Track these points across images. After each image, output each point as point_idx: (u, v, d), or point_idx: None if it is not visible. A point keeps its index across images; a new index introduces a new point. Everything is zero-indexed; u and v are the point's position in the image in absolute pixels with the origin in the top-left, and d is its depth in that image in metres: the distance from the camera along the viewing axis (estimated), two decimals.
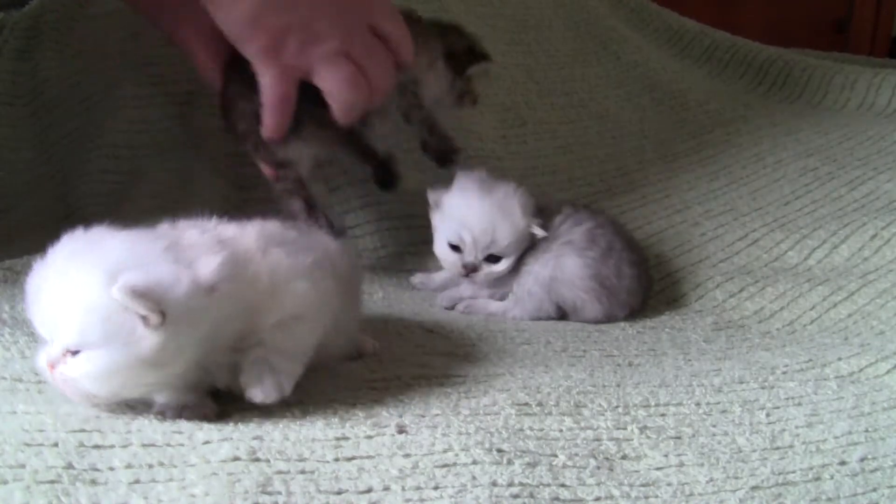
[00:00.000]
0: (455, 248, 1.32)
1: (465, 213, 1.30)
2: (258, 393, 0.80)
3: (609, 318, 1.34)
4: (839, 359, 1.09)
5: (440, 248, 1.34)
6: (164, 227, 0.83)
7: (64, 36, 1.74)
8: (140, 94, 1.62)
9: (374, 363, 1.00)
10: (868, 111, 2.18)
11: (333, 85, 1.18)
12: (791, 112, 2.14)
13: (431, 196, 1.35)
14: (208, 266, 0.76)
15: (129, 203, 1.45)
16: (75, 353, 0.74)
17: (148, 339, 0.72)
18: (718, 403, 0.95)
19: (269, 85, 1.17)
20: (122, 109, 1.60)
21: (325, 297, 0.87)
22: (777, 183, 1.83)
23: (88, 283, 0.73)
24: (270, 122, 1.21)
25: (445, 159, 1.42)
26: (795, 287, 1.40)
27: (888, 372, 1.05)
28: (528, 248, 1.34)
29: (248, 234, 0.85)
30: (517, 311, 1.34)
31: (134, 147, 1.57)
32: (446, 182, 1.36)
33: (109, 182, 1.52)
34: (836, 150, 1.95)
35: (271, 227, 0.90)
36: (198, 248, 0.78)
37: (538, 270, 1.33)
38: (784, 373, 1.05)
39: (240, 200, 1.52)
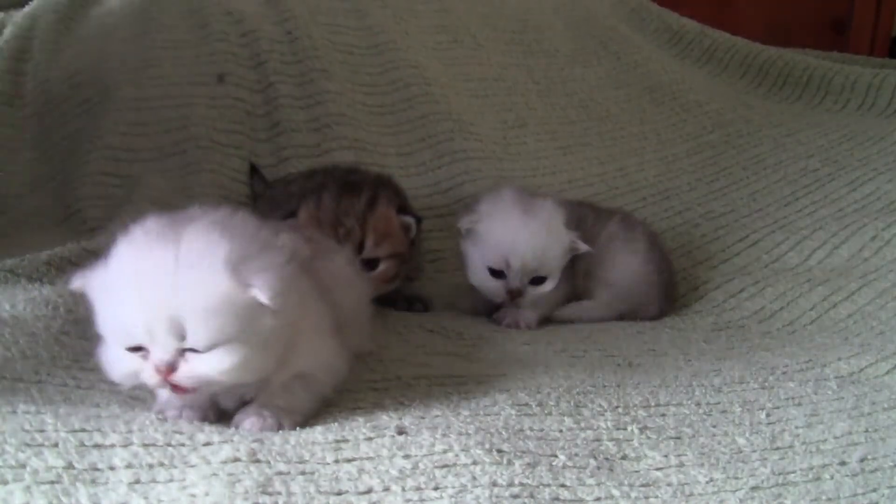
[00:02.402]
0: (496, 273, 1.25)
1: (510, 237, 1.23)
2: (246, 422, 0.80)
3: (661, 314, 1.36)
4: (839, 359, 1.09)
5: (479, 275, 1.27)
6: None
7: (64, 37, 1.74)
8: (140, 96, 1.62)
9: (374, 363, 1.00)
10: (868, 111, 2.18)
11: None
12: (791, 113, 2.14)
13: (464, 223, 1.27)
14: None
15: (129, 206, 1.45)
16: (193, 350, 0.74)
17: (268, 325, 0.75)
18: (718, 403, 0.95)
19: None
20: (121, 112, 1.60)
21: (342, 358, 0.88)
22: (777, 184, 1.83)
23: (216, 282, 0.73)
24: None
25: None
26: (795, 287, 1.40)
27: (888, 372, 1.06)
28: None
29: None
30: (595, 313, 1.33)
31: (133, 150, 1.57)
32: (468, 207, 1.32)
33: (108, 185, 1.52)
34: (837, 151, 1.95)
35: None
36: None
37: (601, 275, 1.33)
38: (784, 373, 1.05)
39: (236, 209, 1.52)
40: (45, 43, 1.72)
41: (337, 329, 0.88)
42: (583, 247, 1.27)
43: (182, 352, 0.74)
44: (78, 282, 0.77)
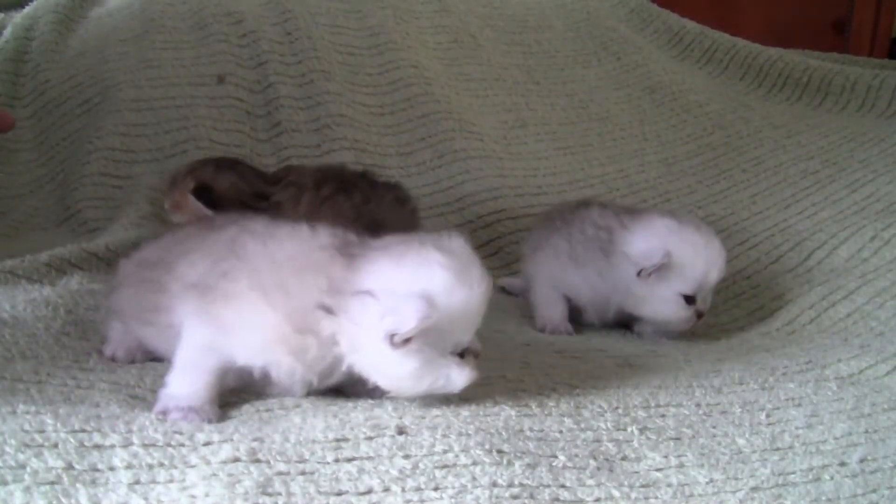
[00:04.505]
0: (689, 299, 1.22)
1: (708, 260, 1.21)
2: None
3: None
4: (839, 360, 1.09)
5: (671, 306, 1.22)
6: None
7: (64, 37, 1.74)
8: (140, 97, 1.63)
9: None
10: (868, 113, 2.18)
11: None
12: (791, 114, 2.14)
13: (652, 261, 1.20)
14: None
15: (130, 206, 1.45)
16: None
17: None
18: (718, 404, 0.95)
19: None
20: (121, 113, 1.60)
21: None
22: (777, 186, 1.83)
23: None
24: None
25: None
26: (794, 287, 1.40)
27: (888, 373, 1.05)
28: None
29: None
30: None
31: (133, 151, 1.57)
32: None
33: (108, 186, 1.52)
34: (837, 153, 1.95)
35: None
36: None
37: None
38: (784, 374, 1.05)
39: None
40: (44, 43, 1.73)
41: None
42: None
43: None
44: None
